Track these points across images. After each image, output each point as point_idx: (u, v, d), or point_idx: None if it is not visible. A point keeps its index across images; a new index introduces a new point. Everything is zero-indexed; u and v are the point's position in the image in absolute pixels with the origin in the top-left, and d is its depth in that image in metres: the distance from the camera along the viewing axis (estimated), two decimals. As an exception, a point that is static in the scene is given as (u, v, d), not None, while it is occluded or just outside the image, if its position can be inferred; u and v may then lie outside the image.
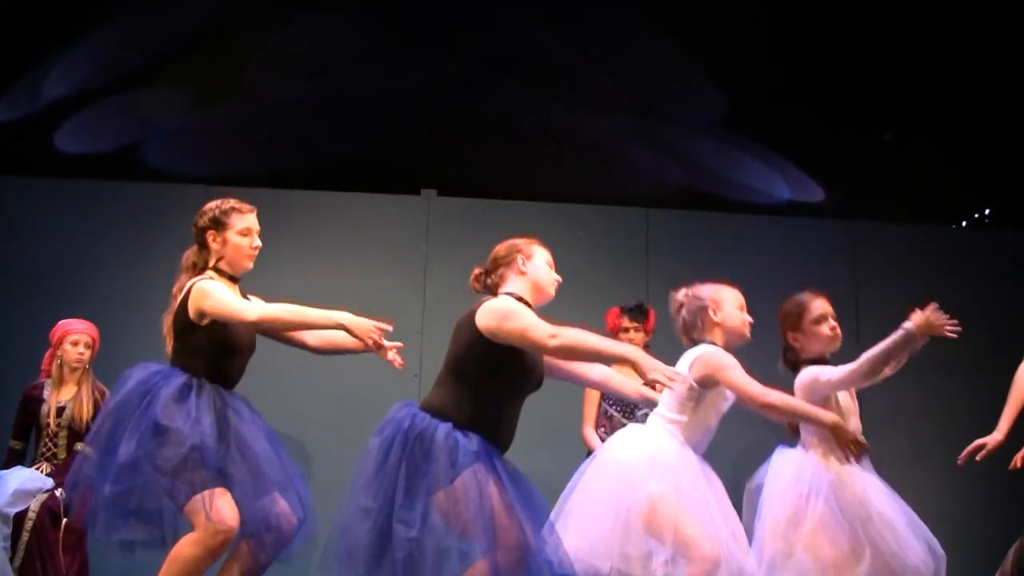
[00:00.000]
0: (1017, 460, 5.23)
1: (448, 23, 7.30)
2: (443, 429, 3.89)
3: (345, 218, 7.32)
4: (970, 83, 7.43)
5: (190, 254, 4.63)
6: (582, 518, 4.15)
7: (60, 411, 5.90)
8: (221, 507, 4.13)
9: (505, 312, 3.98)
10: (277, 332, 4.68)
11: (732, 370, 4.24)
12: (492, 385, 4.00)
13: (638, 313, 6.12)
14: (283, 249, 7.24)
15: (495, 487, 3.84)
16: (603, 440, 5.99)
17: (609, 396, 6.07)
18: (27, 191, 7.26)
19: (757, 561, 4.17)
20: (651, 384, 3.99)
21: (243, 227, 4.56)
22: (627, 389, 4.52)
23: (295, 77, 7.62)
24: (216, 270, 4.52)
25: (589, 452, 6.00)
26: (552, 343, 3.88)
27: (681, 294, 4.57)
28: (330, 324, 4.29)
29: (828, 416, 4.25)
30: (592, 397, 6.10)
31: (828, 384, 4.38)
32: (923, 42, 7.20)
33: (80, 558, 5.82)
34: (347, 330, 4.24)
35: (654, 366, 3.84)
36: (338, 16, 7.28)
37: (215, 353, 4.40)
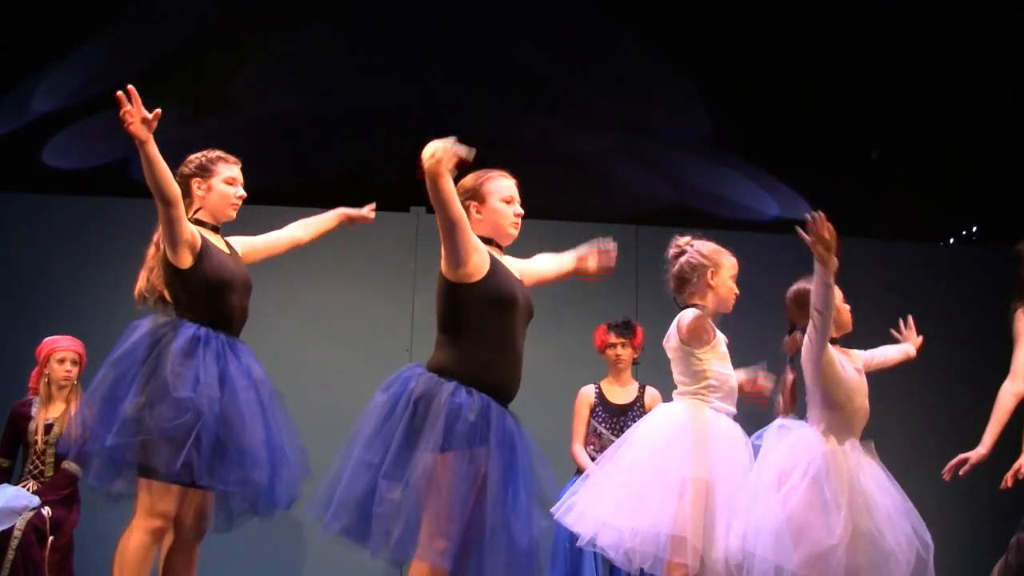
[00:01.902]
0: (1008, 479, 5.24)
1: (437, 39, 7.31)
2: (447, 389, 3.85)
3: (334, 235, 7.27)
4: (958, 101, 7.46)
5: None
6: (618, 486, 4.21)
7: (48, 428, 5.87)
8: (165, 498, 4.16)
9: (456, 252, 3.97)
10: (261, 248, 4.85)
11: (689, 331, 4.31)
12: (483, 327, 3.97)
13: (624, 329, 6.14)
14: (270, 265, 7.22)
15: (477, 476, 3.81)
16: (592, 458, 6.00)
17: (599, 413, 6.07)
18: (13, 206, 7.25)
19: (739, 525, 4.16)
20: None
21: (228, 175, 4.60)
22: (581, 267, 4.63)
23: (282, 93, 7.62)
24: (196, 221, 4.51)
25: (578, 470, 6.01)
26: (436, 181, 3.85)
27: (684, 242, 4.56)
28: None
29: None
30: (581, 415, 6.10)
31: (816, 346, 4.38)
32: (911, 61, 7.23)
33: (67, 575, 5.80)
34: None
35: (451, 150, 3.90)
36: (327, 31, 7.28)
37: (210, 293, 4.39)
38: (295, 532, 6.78)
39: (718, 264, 4.49)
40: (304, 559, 6.89)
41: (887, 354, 5.02)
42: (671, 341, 4.41)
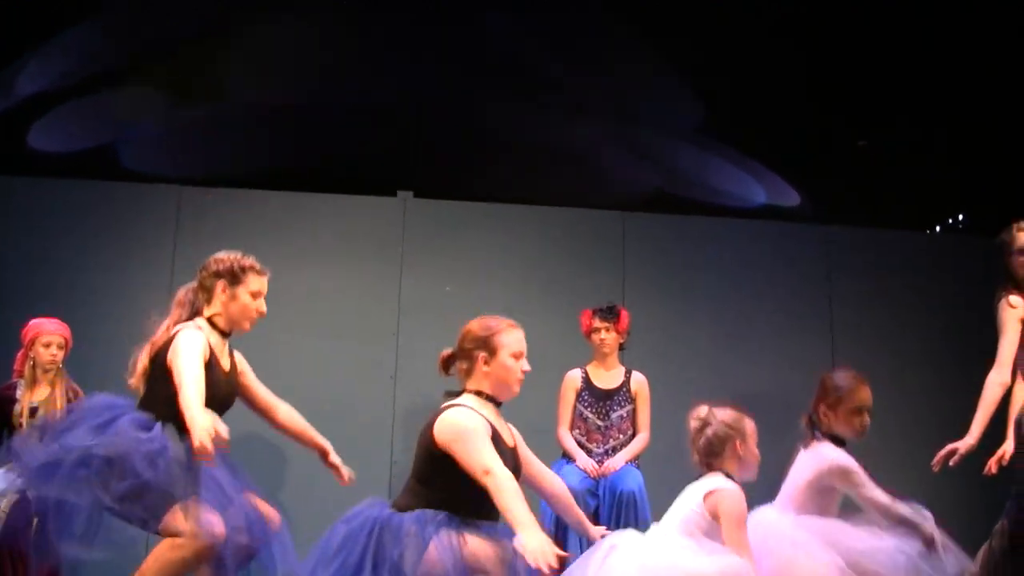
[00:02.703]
0: (991, 465, 5.27)
1: (427, 27, 7.29)
2: (412, 516, 3.84)
3: (321, 219, 7.31)
4: (943, 90, 7.47)
5: (188, 292, 4.55)
6: None
7: (33, 411, 5.85)
8: (204, 513, 4.05)
9: (457, 433, 3.87)
10: (247, 394, 4.66)
11: (735, 524, 4.11)
12: (464, 488, 3.86)
13: (608, 314, 6.15)
14: (258, 250, 7.18)
15: (469, 534, 3.80)
16: (578, 442, 6.02)
17: (585, 398, 6.08)
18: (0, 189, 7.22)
19: None
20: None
21: (256, 288, 4.50)
22: (568, 517, 4.42)
23: (272, 79, 7.60)
24: (210, 322, 4.45)
25: (564, 454, 6.03)
26: (483, 479, 3.76)
27: (705, 413, 4.43)
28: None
29: None
30: (567, 398, 6.11)
31: (853, 491, 4.44)
32: (898, 50, 7.24)
33: (53, 559, 5.78)
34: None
35: (536, 555, 3.53)
36: (316, 18, 7.26)
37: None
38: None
39: (744, 433, 4.30)
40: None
41: None
42: (702, 510, 4.20)
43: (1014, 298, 4.89)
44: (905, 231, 8.10)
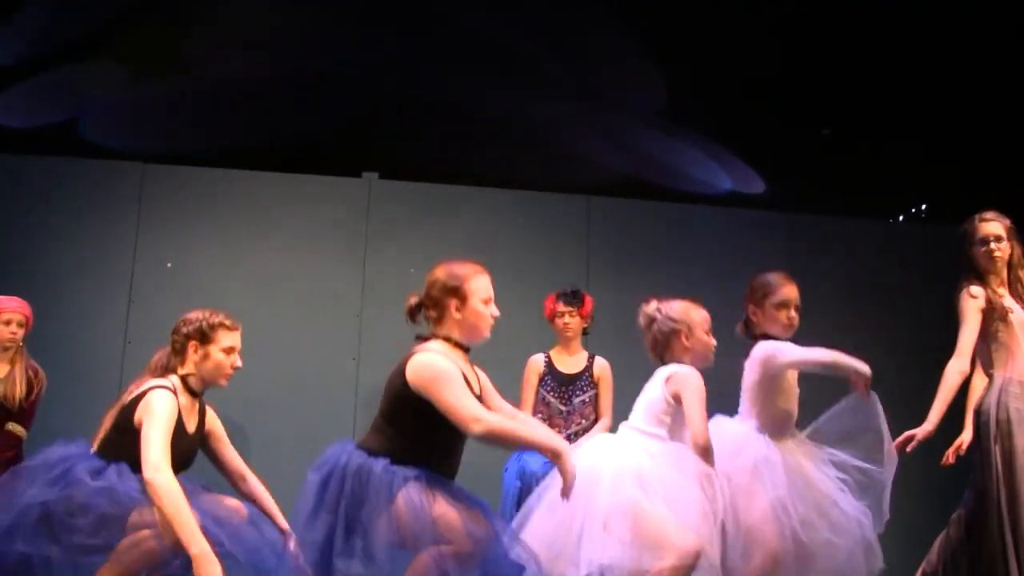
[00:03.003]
0: (949, 455, 5.32)
1: (392, 3, 7.25)
2: (380, 464, 3.87)
3: (286, 200, 7.27)
4: (908, 80, 7.51)
5: (162, 356, 4.52)
6: (547, 526, 4.19)
7: (-9, 389, 5.81)
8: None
9: (433, 376, 3.91)
10: (216, 454, 4.63)
11: (695, 399, 4.31)
12: (430, 433, 3.95)
13: (572, 299, 6.14)
14: (221, 230, 7.18)
15: (437, 493, 3.84)
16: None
17: (547, 382, 6.09)
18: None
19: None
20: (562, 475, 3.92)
21: (228, 344, 4.46)
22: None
23: (237, 55, 7.53)
24: (183, 381, 4.42)
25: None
26: (476, 428, 3.81)
27: (652, 309, 4.62)
28: None
29: None
30: (530, 383, 6.11)
31: (783, 364, 4.61)
32: (863, 38, 7.26)
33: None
34: None
35: (570, 473, 3.82)
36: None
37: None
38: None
39: (691, 324, 4.55)
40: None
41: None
42: (664, 394, 4.42)
43: (975, 288, 4.94)
44: (868, 219, 8.15)
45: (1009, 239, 5.02)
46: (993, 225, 5.04)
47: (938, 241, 7.33)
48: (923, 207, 8.94)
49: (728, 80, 7.67)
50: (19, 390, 5.82)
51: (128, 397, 4.34)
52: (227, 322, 4.48)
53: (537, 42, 7.47)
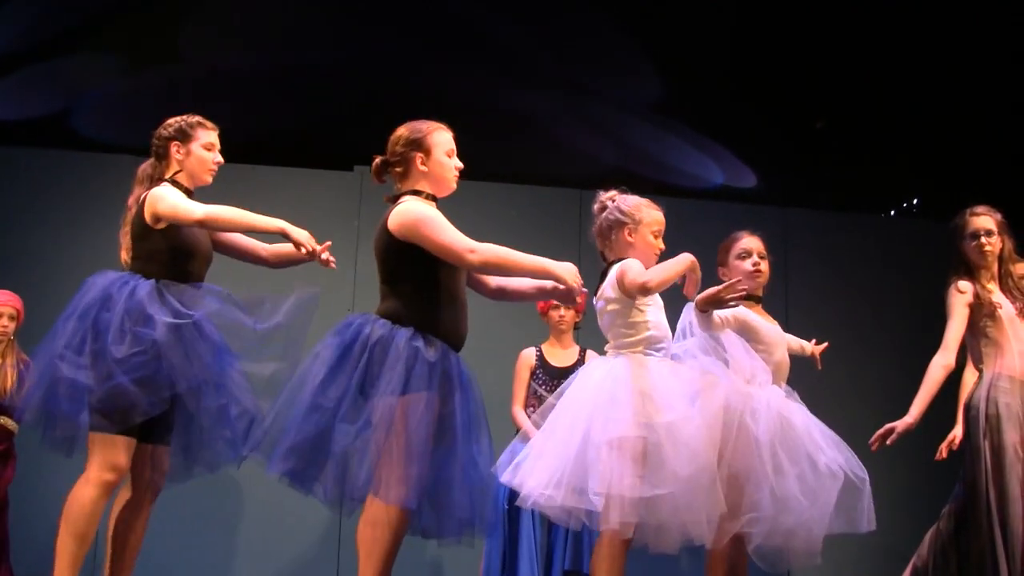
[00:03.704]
0: (942, 450, 5.34)
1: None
2: (403, 335, 3.92)
3: (278, 193, 7.25)
4: (901, 75, 7.51)
5: (146, 167, 4.61)
6: (548, 450, 4.19)
7: (-18, 382, 5.81)
8: (118, 452, 4.15)
9: (418, 218, 4.00)
10: (227, 239, 4.74)
11: (640, 267, 4.27)
12: (430, 278, 4.03)
13: (566, 291, 6.15)
14: (213, 222, 7.15)
15: (436, 417, 3.89)
16: (531, 420, 6.03)
17: (539, 376, 6.10)
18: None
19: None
20: (570, 296, 4.08)
21: (207, 141, 4.60)
22: (521, 285, 4.50)
23: (229, 48, 7.52)
24: (173, 182, 4.51)
25: (518, 431, 6.04)
26: (471, 258, 3.94)
27: (607, 197, 4.53)
28: (271, 228, 4.35)
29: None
30: (522, 377, 6.12)
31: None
32: (856, 32, 7.26)
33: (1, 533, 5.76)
34: (286, 235, 4.33)
35: (576, 278, 4.00)
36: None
37: (172, 256, 4.41)
38: (233, 487, 6.76)
39: (638, 220, 4.44)
40: (242, 514, 6.87)
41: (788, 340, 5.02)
42: (609, 293, 4.37)
43: (963, 283, 4.95)
44: (861, 214, 8.16)
45: (1000, 233, 5.03)
46: (984, 219, 5.04)
47: (929, 235, 7.36)
48: (915, 201, 8.95)
49: (721, 74, 7.66)
50: (10, 382, 5.83)
51: (130, 214, 4.49)
52: (203, 121, 4.62)
53: (530, 36, 7.46)
